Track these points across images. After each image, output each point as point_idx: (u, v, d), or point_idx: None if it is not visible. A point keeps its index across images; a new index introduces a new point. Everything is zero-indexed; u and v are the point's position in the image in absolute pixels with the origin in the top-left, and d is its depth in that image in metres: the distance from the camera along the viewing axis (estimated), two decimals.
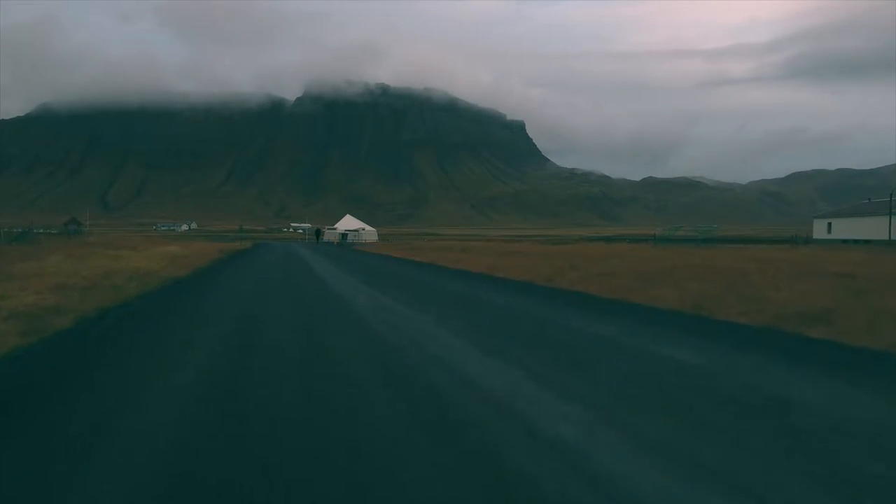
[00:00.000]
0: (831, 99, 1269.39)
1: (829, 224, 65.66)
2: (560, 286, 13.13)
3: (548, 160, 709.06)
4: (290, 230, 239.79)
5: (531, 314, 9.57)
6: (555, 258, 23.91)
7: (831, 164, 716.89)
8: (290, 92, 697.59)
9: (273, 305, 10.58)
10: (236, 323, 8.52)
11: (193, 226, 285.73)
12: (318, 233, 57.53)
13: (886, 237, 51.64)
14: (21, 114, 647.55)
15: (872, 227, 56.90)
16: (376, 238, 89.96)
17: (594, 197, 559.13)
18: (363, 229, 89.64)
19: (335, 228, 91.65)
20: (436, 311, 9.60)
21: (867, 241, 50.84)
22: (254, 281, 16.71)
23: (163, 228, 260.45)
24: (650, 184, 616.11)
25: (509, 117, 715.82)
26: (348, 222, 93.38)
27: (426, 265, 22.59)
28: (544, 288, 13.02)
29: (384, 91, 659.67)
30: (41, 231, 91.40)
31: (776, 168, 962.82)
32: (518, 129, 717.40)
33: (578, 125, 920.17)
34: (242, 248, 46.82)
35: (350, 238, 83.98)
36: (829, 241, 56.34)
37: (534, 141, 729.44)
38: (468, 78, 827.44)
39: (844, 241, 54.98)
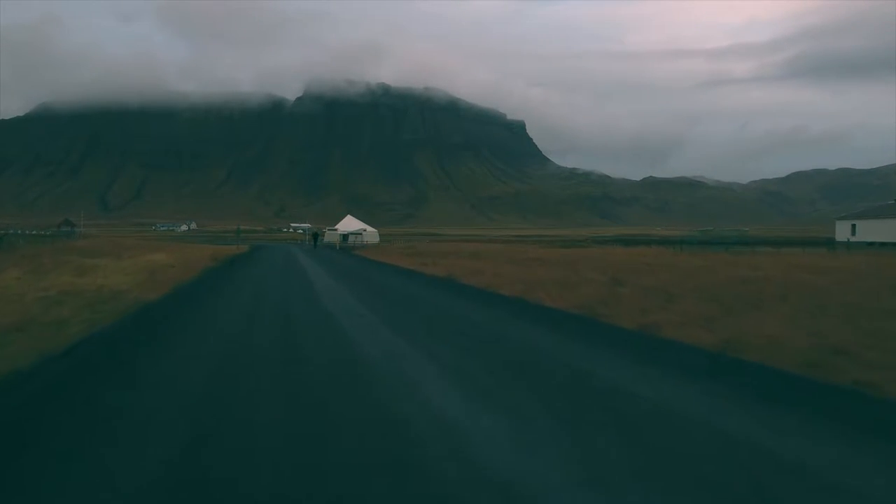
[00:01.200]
0: (832, 98, 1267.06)
1: (854, 226, 62.91)
2: (635, 322, 9.93)
3: (548, 160, 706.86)
4: (291, 230, 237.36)
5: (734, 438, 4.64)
6: (585, 269, 21.09)
7: (832, 163, 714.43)
8: (291, 92, 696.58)
9: (263, 362, 7.36)
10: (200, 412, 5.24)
11: (193, 226, 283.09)
12: (316, 236, 49.76)
13: None
14: (21, 113, 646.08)
15: None
16: (378, 240, 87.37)
17: (594, 197, 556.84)
18: (365, 230, 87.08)
19: (335, 229, 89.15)
20: (542, 415, 5.19)
21: None
22: (243, 306, 13.50)
23: (162, 229, 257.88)
24: (650, 183, 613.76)
25: (510, 117, 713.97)
26: (349, 223, 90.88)
27: (446, 283, 18.71)
28: (624, 332, 9.44)
29: (385, 91, 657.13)
30: (34, 233, 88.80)
31: (776, 168, 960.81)
32: (518, 128, 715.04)
33: (579, 125, 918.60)
34: (238, 252, 43.27)
35: (350, 240, 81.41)
36: (856, 244, 53.66)
37: (534, 141, 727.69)
38: (469, 77, 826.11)
39: (870, 244, 52.36)
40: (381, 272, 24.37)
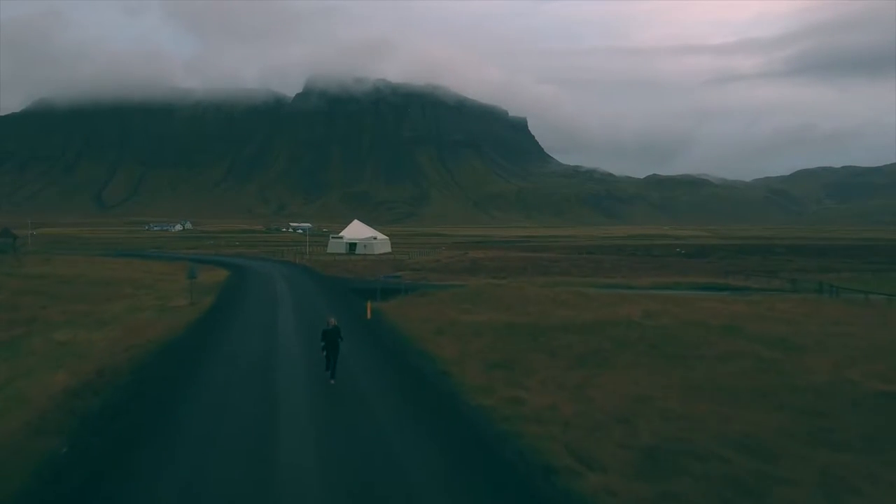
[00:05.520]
0: (838, 96, 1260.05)
1: None
2: None
3: (551, 157, 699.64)
4: (290, 230, 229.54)
5: None
6: None
7: (837, 161, 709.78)
8: (296, 88, 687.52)
9: None
10: None
11: (189, 225, 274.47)
12: (336, 338, 19.51)
13: None
14: (18, 109, 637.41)
15: None
16: (389, 248, 79.82)
17: (598, 195, 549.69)
18: (375, 238, 79.34)
19: (341, 237, 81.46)
20: None
21: None
22: None
23: (156, 229, 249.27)
24: (654, 182, 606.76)
25: (511, 114, 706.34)
26: (357, 229, 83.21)
27: None
28: None
29: (389, 88, 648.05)
30: None
31: (781, 165, 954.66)
32: (520, 126, 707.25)
33: (583, 122, 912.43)
34: (189, 318, 24.18)
35: (359, 250, 73.78)
36: None
37: (538, 138, 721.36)
38: (475, 75, 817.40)
39: None
40: None
